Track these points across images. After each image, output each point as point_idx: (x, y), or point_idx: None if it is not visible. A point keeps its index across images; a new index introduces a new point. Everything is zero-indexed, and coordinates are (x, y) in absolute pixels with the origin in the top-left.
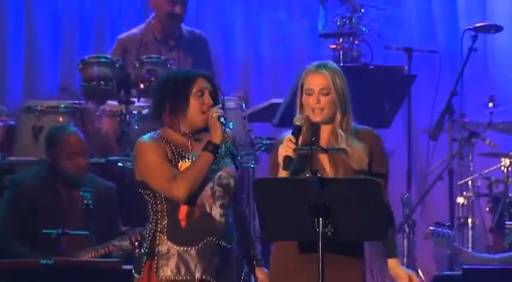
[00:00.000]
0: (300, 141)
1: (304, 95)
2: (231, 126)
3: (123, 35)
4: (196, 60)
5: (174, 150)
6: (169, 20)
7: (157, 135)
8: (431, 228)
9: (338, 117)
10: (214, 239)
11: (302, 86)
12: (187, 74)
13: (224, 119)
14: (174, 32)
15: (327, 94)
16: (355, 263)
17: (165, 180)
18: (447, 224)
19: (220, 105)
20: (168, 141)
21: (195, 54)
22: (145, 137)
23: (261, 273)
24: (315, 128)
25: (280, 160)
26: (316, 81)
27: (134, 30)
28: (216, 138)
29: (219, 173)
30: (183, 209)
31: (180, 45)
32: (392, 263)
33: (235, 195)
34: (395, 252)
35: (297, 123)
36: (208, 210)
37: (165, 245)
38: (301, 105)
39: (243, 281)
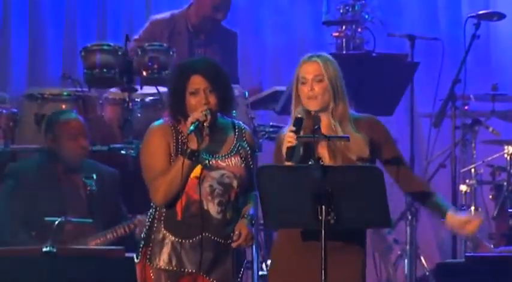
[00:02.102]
0: (302, 133)
1: (299, 85)
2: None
3: (156, 18)
4: (223, 57)
5: (181, 142)
6: (208, 22)
7: (170, 123)
8: None
9: (331, 104)
10: (209, 235)
11: (298, 77)
12: (182, 71)
13: (197, 124)
14: (206, 30)
15: (320, 81)
16: (355, 251)
17: (149, 179)
18: (463, 208)
19: (203, 109)
20: (179, 131)
21: (223, 51)
22: (156, 123)
23: (241, 227)
24: (317, 120)
25: (284, 152)
26: (309, 70)
27: (167, 14)
28: (191, 145)
29: (221, 172)
30: (182, 202)
31: (210, 42)
32: (447, 217)
33: (243, 193)
34: (445, 208)
35: (298, 115)
36: (205, 206)
37: (161, 233)
38: (298, 96)
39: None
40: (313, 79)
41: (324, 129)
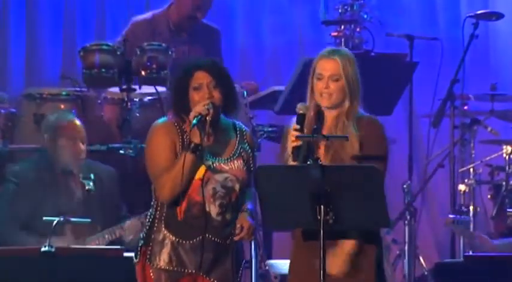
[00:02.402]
0: (305, 129)
1: (314, 79)
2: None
3: (137, 19)
4: (206, 55)
5: (187, 141)
6: (188, 21)
7: (173, 121)
8: (451, 215)
9: (346, 104)
10: (209, 236)
11: (314, 71)
12: (185, 68)
13: (200, 118)
14: (188, 28)
15: (337, 80)
16: (365, 251)
17: (154, 176)
18: (465, 210)
19: (205, 103)
20: (184, 130)
21: (206, 48)
22: (160, 121)
23: (242, 220)
24: (320, 115)
25: (290, 152)
26: (327, 67)
27: (149, 15)
28: (194, 139)
29: (225, 175)
30: (184, 203)
31: (192, 40)
32: None
33: (243, 193)
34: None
35: (300, 112)
36: (207, 209)
37: (161, 233)
38: (312, 89)
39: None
40: (329, 77)
41: (328, 125)
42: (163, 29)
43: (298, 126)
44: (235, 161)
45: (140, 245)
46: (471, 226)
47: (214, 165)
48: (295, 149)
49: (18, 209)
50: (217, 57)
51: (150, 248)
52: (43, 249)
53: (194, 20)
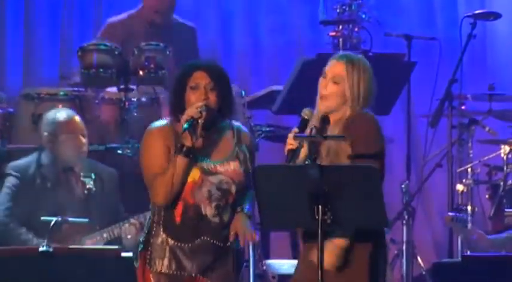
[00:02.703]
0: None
1: (320, 78)
2: None
3: (113, 21)
4: (183, 53)
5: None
6: (150, 26)
7: (169, 125)
8: (450, 213)
9: (347, 112)
10: (208, 238)
11: (323, 70)
12: (185, 67)
13: (192, 121)
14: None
15: (337, 83)
16: (358, 248)
17: (148, 180)
18: (464, 208)
19: (198, 105)
20: (180, 134)
21: (180, 47)
22: (155, 124)
23: (236, 225)
24: (325, 119)
25: (285, 153)
26: (332, 68)
27: (124, 16)
28: (186, 142)
29: (220, 177)
30: (179, 206)
31: (166, 40)
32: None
33: (241, 195)
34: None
35: (305, 117)
36: (203, 211)
37: (160, 237)
38: None
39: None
40: (331, 78)
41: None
42: (139, 29)
43: (297, 130)
44: (231, 163)
45: (140, 249)
46: (469, 224)
47: (209, 167)
48: (290, 152)
49: (18, 204)
50: (192, 55)
51: (149, 252)
52: (41, 249)
53: (156, 26)
